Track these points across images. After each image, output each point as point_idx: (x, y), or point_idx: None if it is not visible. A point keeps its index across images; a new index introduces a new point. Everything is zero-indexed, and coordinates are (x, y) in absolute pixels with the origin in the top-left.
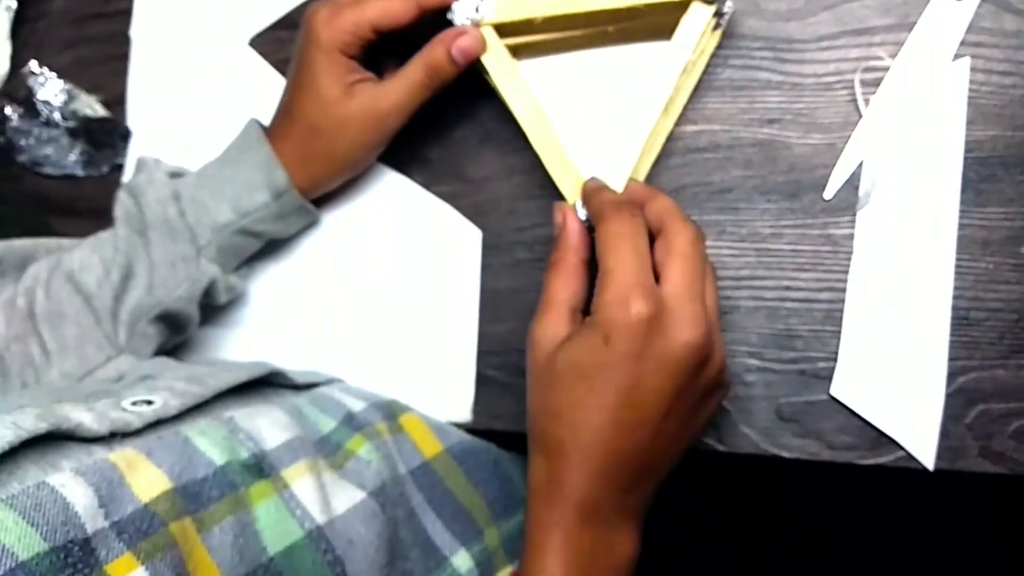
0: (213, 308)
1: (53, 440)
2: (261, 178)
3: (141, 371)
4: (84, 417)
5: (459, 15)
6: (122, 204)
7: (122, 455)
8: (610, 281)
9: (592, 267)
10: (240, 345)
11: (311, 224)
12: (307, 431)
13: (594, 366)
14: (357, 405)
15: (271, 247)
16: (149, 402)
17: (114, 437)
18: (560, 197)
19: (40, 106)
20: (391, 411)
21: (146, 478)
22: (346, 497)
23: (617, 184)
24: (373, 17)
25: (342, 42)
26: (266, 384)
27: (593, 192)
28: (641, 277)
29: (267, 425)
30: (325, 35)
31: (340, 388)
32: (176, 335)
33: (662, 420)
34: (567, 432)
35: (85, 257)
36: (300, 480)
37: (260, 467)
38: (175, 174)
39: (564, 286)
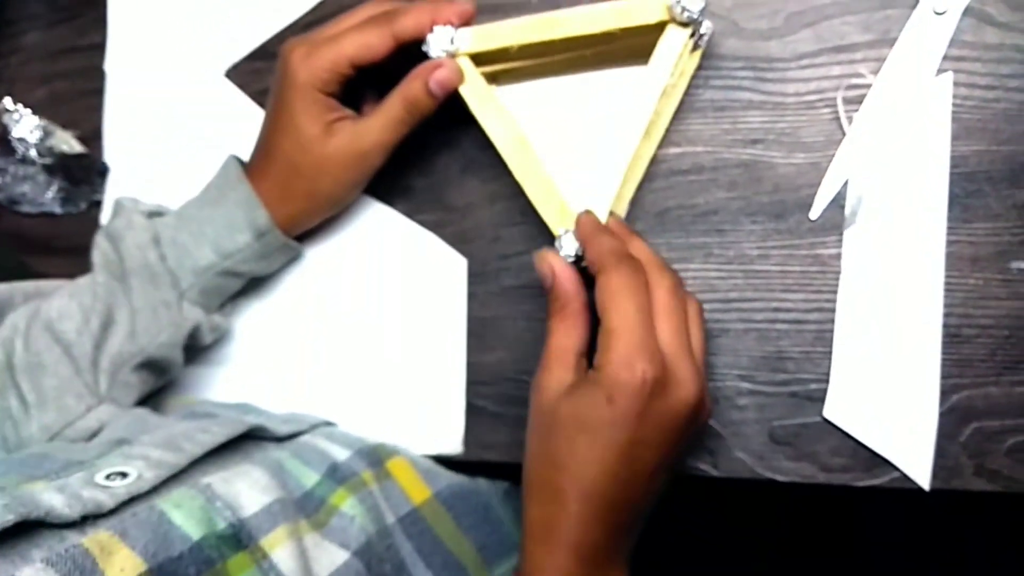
0: (197, 347)
1: (23, 527)
2: (242, 218)
3: (115, 431)
4: (55, 501)
5: (434, 47)
6: (100, 249)
7: (95, 539)
8: (614, 341)
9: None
10: (224, 383)
11: (294, 259)
12: (289, 488)
13: (597, 422)
14: (342, 454)
15: (254, 283)
16: (124, 474)
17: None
18: (543, 226)
19: (15, 143)
20: (377, 457)
21: (120, 563)
22: (328, 560)
23: (602, 209)
24: (350, 52)
25: (320, 80)
26: (247, 437)
27: (591, 235)
28: (645, 338)
29: (246, 489)
30: (303, 74)
31: (324, 434)
32: (159, 380)
33: (656, 470)
34: (567, 481)
35: (64, 305)
36: (280, 548)
37: (238, 538)
38: (154, 214)
39: (568, 335)
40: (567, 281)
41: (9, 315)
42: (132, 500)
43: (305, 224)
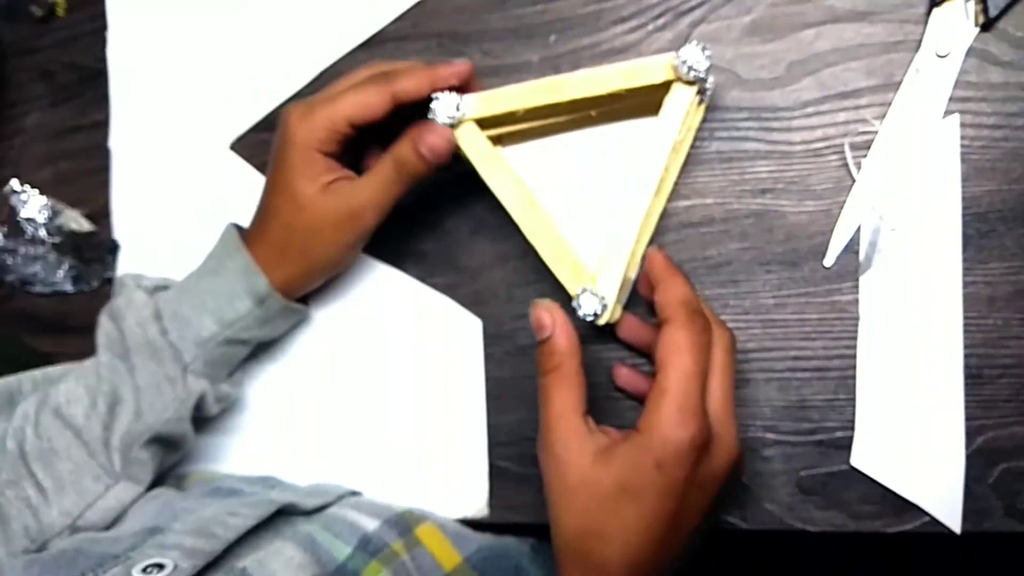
0: (204, 418)
1: None
2: (241, 286)
3: (145, 519)
4: None
5: (440, 115)
6: (103, 329)
7: None
8: (668, 402)
9: None
10: (244, 453)
11: (300, 322)
12: (323, 563)
13: (645, 489)
14: (371, 524)
15: (269, 351)
16: (160, 566)
17: None
18: (556, 283)
19: (24, 224)
20: (406, 524)
21: None
22: None
23: (618, 267)
24: (348, 112)
25: (317, 139)
26: (275, 513)
27: (664, 278)
28: (697, 401)
29: (281, 568)
30: (300, 134)
31: (351, 505)
32: (172, 454)
33: (696, 530)
34: (612, 552)
35: (71, 389)
36: None
37: None
38: (159, 287)
39: (569, 394)
40: (565, 337)
41: (20, 404)
42: None
43: (304, 287)
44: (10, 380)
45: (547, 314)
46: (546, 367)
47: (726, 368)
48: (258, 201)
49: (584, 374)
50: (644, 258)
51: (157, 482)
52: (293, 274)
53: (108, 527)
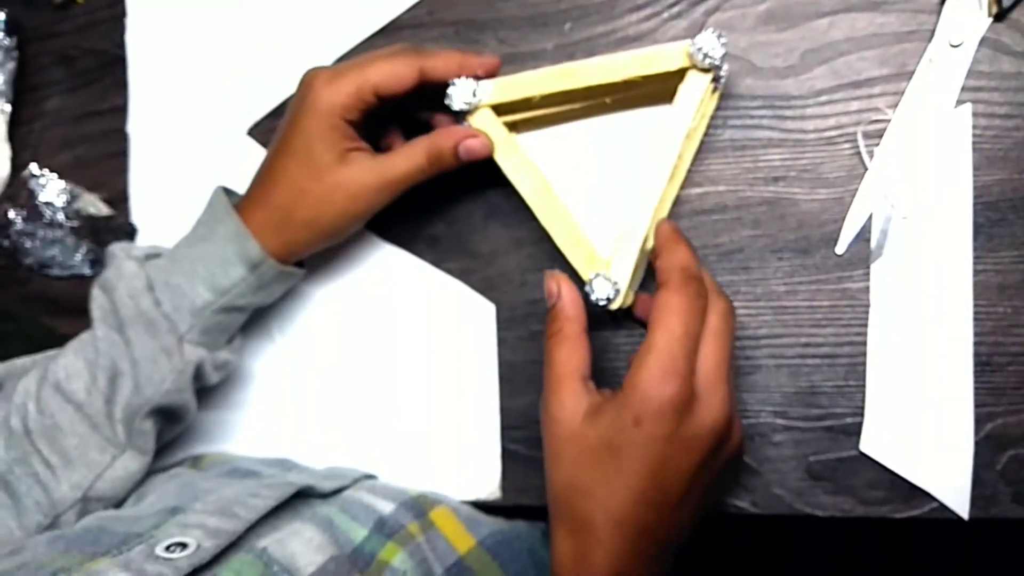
0: (226, 392)
1: None
2: (233, 252)
3: (166, 499)
4: None
5: (457, 100)
6: (96, 302)
7: None
8: (651, 359)
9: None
10: (254, 436)
11: (295, 284)
12: (340, 544)
13: (624, 445)
14: (387, 507)
15: (282, 334)
16: (183, 544)
17: None
18: (570, 269)
19: (43, 208)
20: (421, 507)
21: None
22: None
23: (632, 252)
24: (376, 80)
25: (342, 105)
26: (294, 495)
27: (667, 244)
28: (679, 359)
29: (301, 549)
30: (325, 97)
31: (367, 488)
32: (175, 425)
33: (685, 495)
34: (595, 508)
35: (70, 363)
36: None
37: None
38: (150, 256)
39: (570, 356)
40: (571, 304)
41: (21, 380)
42: (194, 572)
43: (302, 253)
44: (25, 361)
45: (554, 282)
46: (551, 331)
47: (720, 334)
48: (260, 165)
49: (588, 340)
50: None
51: (172, 463)
52: (292, 240)
53: (119, 503)
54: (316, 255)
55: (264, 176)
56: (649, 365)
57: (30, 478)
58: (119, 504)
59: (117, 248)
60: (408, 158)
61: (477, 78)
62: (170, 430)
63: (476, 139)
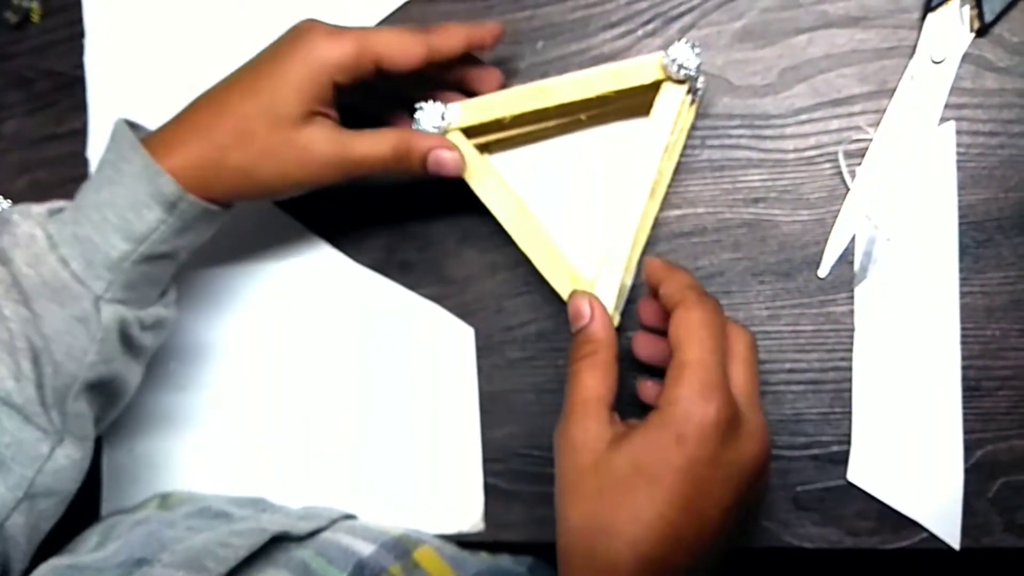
0: (195, 426)
1: None
2: (145, 192)
3: (131, 549)
4: None
5: (425, 123)
6: None
7: None
8: (689, 375)
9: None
10: (227, 474)
11: (221, 224)
12: None
13: (662, 468)
14: (366, 549)
15: (253, 362)
16: None
17: None
18: (553, 292)
19: None
20: (404, 548)
21: None
22: None
23: (616, 272)
24: (381, 49)
25: (336, 64)
26: (269, 540)
27: (667, 273)
28: (721, 377)
29: None
30: (321, 48)
31: (345, 530)
32: (116, 400)
33: (718, 532)
34: (621, 548)
35: None
36: None
37: None
38: (53, 211)
39: (600, 383)
40: (604, 327)
41: None
42: None
43: (222, 198)
44: None
45: (585, 302)
46: (580, 353)
47: (748, 361)
48: (202, 95)
49: (617, 370)
50: (640, 266)
51: (138, 503)
52: (216, 185)
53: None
54: (287, 279)
55: (202, 108)
56: (687, 380)
57: None
58: (80, 518)
59: (9, 212)
60: (373, 144)
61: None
62: (110, 408)
63: (450, 153)
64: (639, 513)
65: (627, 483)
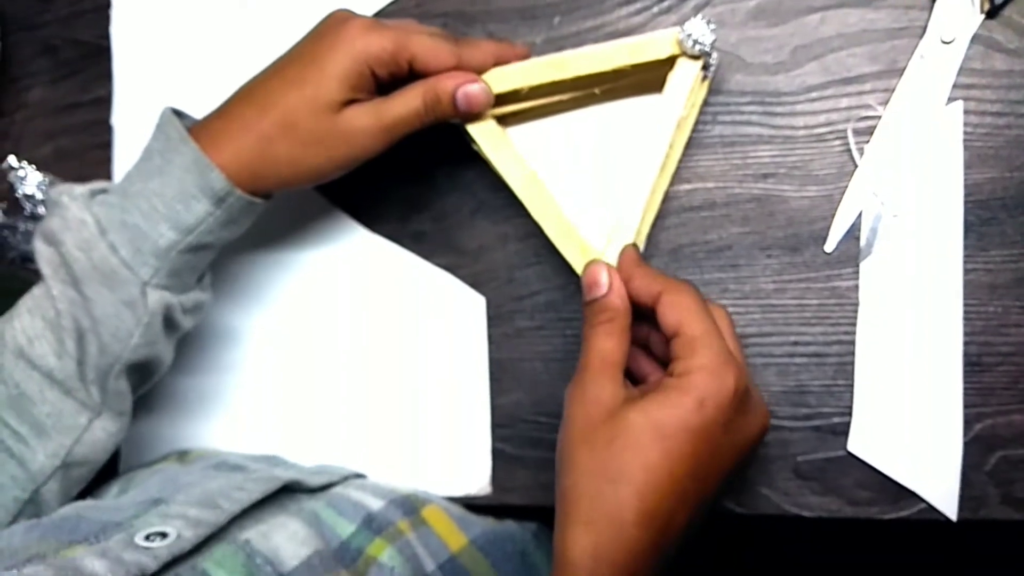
0: (212, 389)
1: None
2: (194, 184)
3: (148, 491)
4: (98, 566)
5: None
6: (43, 256)
7: None
8: (702, 347)
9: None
10: (241, 434)
11: (258, 216)
12: (326, 539)
13: (680, 428)
14: (375, 504)
15: (268, 331)
16: (163, 534)
17: None
18: (563, 263)
19: (23, 201)
20: (412, 505)
21: None
22: None
23: (624, 242)
24: (418, 50)
25: (375, 57)
26: (280, 490)
27: (638, 265)
28: (729, 350)
29: (284, 543)
30: (361, 41)
31: (356, 486)
32: (152, 378)
33: (714, 494)
34: (629, 498)
35: (28, 325)
36: None
37: None
38: (96, 191)
39: (616, 347)
40: (621, 297)
41: None
42: (174, 561)
43: (267, 190)
44: None
45: (604, 273)
46: (598, 319)
47: (735, 335)
48: (244, 87)
49: (630, 338)
50: (648, 239)
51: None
52: (267, 175)
53: (101, 474)
54: (305, 248)
55: (247, 101)
56: (704, 353)
57: (2, 453)
58: (100, 477)
59: (57, 191)
60: (405, 102)
61: None
62: (144, 385)
63: (478, 84)
64: (649, 464)
65: (642, 438)
